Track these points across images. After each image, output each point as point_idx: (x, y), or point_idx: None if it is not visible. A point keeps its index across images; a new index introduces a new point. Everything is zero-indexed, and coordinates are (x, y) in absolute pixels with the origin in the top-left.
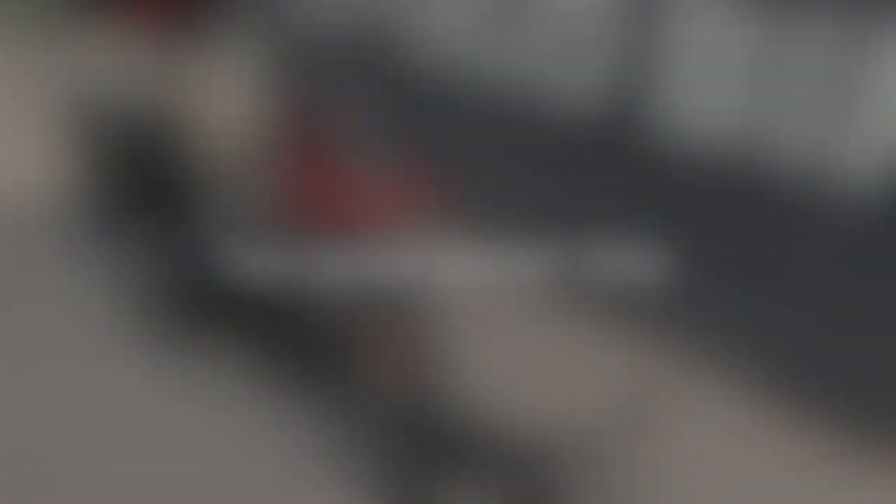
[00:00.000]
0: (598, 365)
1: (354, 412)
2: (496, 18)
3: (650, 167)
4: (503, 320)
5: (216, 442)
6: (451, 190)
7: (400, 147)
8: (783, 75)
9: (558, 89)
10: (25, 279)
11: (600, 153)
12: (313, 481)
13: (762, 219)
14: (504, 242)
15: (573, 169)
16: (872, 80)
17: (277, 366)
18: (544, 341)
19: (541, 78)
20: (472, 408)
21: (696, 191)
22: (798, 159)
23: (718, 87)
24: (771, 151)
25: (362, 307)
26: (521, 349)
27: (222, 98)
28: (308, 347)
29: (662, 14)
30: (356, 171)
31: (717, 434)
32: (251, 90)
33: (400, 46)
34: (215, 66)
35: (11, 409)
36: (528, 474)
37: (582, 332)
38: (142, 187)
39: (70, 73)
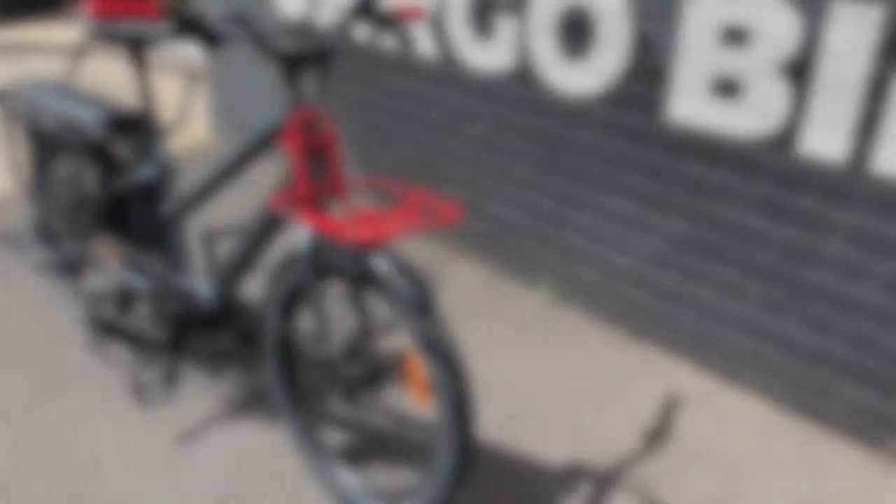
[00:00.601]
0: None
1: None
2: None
3: (662, 159)
4: (511, 330)
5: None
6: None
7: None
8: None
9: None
10: None
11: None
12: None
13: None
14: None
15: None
16: None
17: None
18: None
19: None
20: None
21: (709, 182)
22: (825, 158)
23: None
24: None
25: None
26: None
27: (179, 96)
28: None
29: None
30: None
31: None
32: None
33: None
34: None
35: None
36: None
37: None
38: (101, 192)
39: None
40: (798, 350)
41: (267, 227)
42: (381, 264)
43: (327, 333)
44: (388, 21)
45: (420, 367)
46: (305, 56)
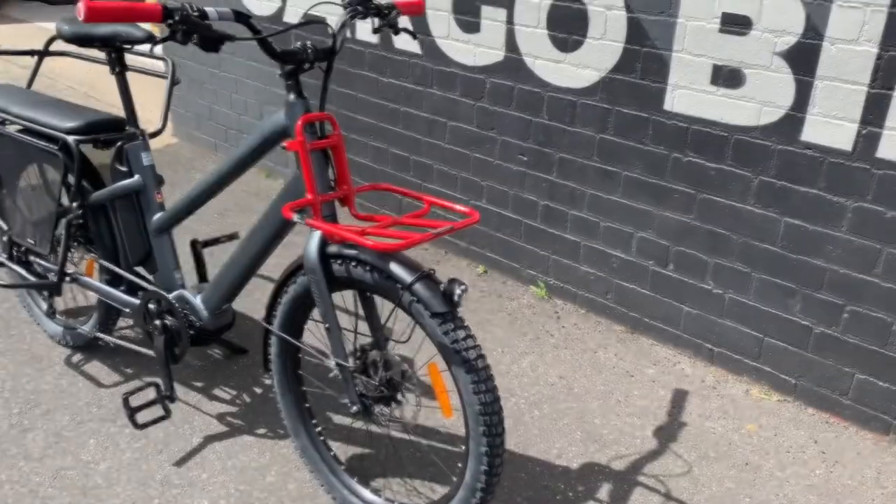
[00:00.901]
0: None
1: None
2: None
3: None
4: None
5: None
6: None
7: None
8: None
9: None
10: None
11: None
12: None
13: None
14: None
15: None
16: None
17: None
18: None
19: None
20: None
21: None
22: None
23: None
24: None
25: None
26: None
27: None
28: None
29: None
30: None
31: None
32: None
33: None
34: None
35: None
36: None
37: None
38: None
39: None
40: (804, 339)
41: (272, 236)
42: (401, 271)
43: (338, 345)
44: (386, 14)
45: (442, 377)
46: (310, 56)
